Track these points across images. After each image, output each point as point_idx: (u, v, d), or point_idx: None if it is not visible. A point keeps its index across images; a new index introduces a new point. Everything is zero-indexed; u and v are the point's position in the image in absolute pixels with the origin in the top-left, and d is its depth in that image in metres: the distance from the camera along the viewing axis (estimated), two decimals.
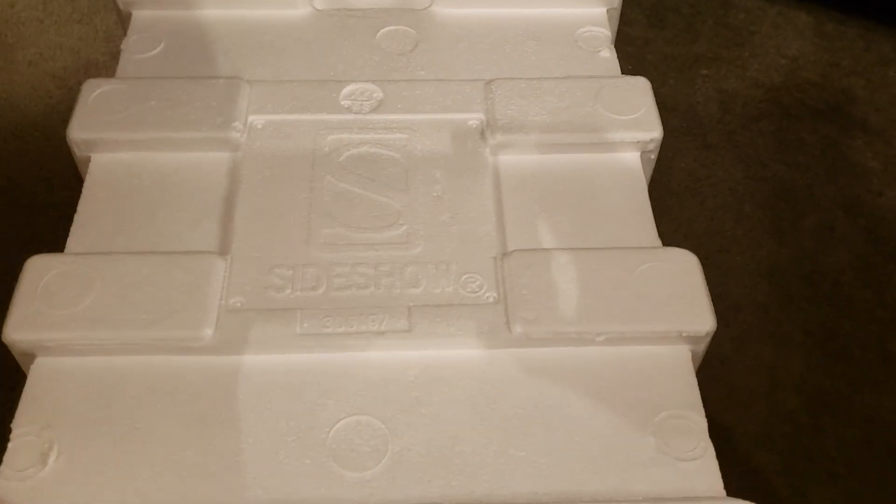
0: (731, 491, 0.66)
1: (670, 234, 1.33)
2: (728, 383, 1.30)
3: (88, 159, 0.90)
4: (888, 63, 1.60)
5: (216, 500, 0.67)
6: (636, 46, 1.68)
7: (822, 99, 1.56)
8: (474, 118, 0.92)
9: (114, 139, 0.89)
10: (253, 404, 0.73)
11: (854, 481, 1.20)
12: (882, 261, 1.39)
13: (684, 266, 0.78)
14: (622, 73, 0.99)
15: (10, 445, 0.69)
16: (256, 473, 0.68)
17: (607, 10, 1.04)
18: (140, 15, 1.04)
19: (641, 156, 0.91)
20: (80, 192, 0.88)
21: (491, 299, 0.78)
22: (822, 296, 1.37)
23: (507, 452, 0.69)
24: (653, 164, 0.92)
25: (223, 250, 0.83)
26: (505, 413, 0.71)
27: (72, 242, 0.83)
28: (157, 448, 0.70)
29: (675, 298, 0.75)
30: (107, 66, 1.60)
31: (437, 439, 0.70)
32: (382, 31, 1.02)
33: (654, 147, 0.90)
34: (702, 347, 0.75)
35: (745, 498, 0.64)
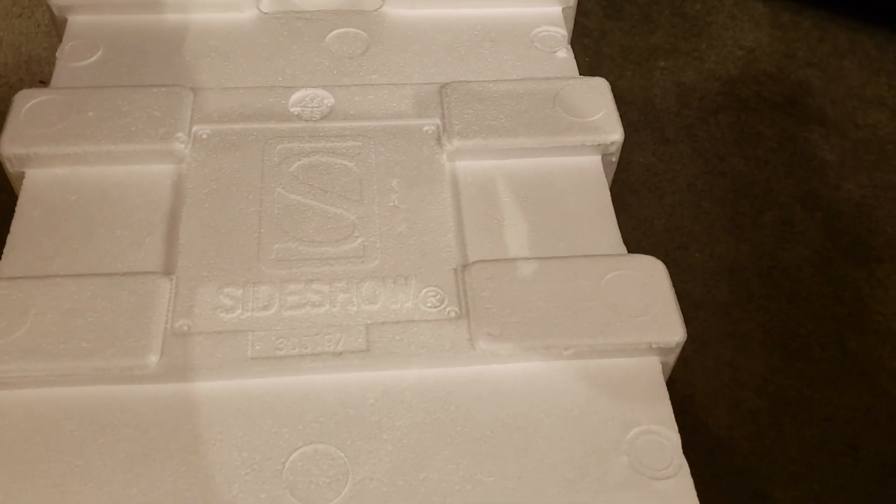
0: None
1: (630, 231, 1.31)
2: (690, 384, 1.29)
3: (22, 175, 0.85)
4: (843, 54, 1.60)
5: None
6: (593, 38, 1.66)
7: (779, 91, 1.55)
8: (430, 124, 0.88)
9: (49, 153, 0.84)
10: (203, 435, 0.68)
11: (815, 482, 1.19)
12: (840, 256, 1.39)
13: (651, 274, 0.75)
14: (580, 70, 0.96)
15: None
16: None
17: (563, 9, 1.01)
18: (76, 20, 0.98)
19: (603, 158, 0.88)
20: (13, 210, 0.83)
21: (453, 314, 0.74)
22: (781, 293, 1.36)
23: (475, 478, 0.66)
24: (614, 167, 0.90)
25: (168, 270, 0.78)
26: (472, 435, 0.68)
27: (4, 266, 0.78)
28: (100, 488, 0.65)
29: (644, 309, 0.73)
30: (49, 61, 1.53)
31: (401, 466, 0.66)
32: (332, 33, 0.98)
33: (615, 150, 0.88)
34: (672, 358, 0.73)
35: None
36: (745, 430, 1.24)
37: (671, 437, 0.67)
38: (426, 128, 0.88)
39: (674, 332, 0.72)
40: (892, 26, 1.65)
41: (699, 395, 1.28)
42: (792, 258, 1.38)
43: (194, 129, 0.87)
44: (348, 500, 0.64)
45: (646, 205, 1.45)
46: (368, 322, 0.74)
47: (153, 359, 0.71)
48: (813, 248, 1.39)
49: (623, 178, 1.44)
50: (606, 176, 0.88)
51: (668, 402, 0.70)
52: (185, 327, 0.74)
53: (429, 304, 0.75)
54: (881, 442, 1.22)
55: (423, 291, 0.76)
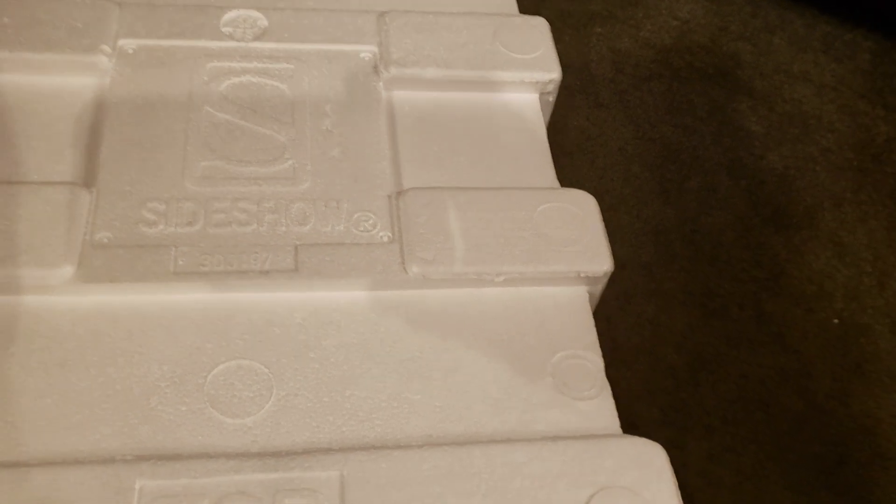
0: None
1: None
2: (612, 339, 1.31)
3: None
4: (773, 30, 1.64)
5: (80, 452, 0.60)
6: (533, 1, 1.65)
7: (711, 62, 1.57)
8: (367, 51, 0.87)
9: None
10: (122, 348, 0.66)
11: (728, 434, 1.22)
12: (760, 223, 1.42)
13: (583, 207, 0.75)
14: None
15: None
16: (125, 422, 0.62)
17: None
18: None
19: (540, 97, 0.88)
20: None
21: (385, 239, 0.73)
22: (703, 256, 1.39)
23: (401, 396, 0.65)
24: (551, 107, 0.89)
25: (88, 183, 0.75)
26: (400, 357, 0.67)
27: None
28: (12, 397, 0.62)
29: (574, 239, 0.73)
30: None
31: (327, 384, 0.65)
32: None
33: (552, 89, 0.88)
34: (599, 289, 0.73)
35: None
36: (664, 384, 1.26)
37: (595, 360, 0.68)
38: (363, 54, 0.86)
39: (602, 262, 0.72)
40: (820, 6, 1.69)
41: (621, 350, 1.30)
42: (715, 223, 1.41)
43: (120, 42, 0.84)
44: (271, 415, 0.63)
45: (578, 167, 1.46)
46: (297, 243, 0.72)
47: (69, 269, 0.68)
48: (735, 214, 1.42)
49: (558, 141, 1.45)
50: (543, 115, 0.87)
51: (594, 329, 0.70)
52: (105, 240, 0.71)
53: (361, 229, 0.74)
54: (791, 398, 1.26)
55: (356, 216, 0.75)
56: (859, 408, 1.24)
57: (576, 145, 1.47)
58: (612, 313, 1.32)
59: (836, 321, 1.32)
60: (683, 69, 1.57)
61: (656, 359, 1.30)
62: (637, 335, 1.32)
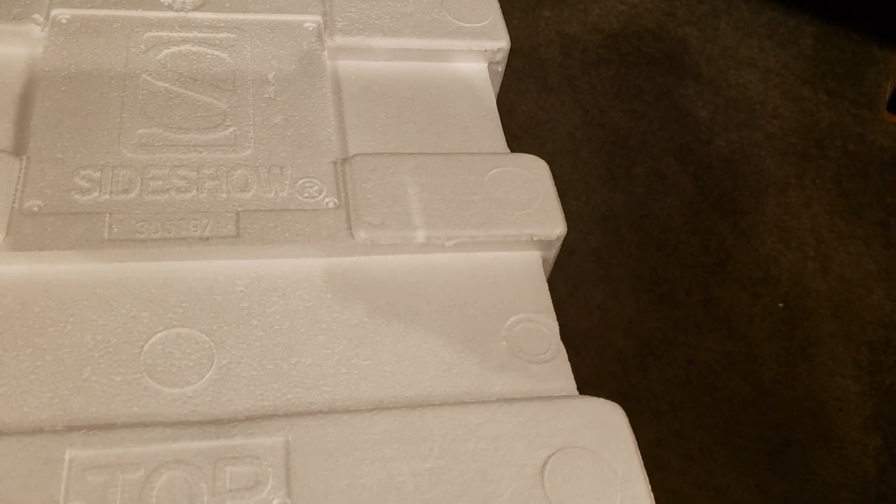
0: None
1: None
2: (562, 325, 1.30)
3: None
4: (719, 15, 1.66)
5: (4, 425, 0.56)
6: None
7: (658, 47, 1.58)
8: (311, 20, 0.84)
9: None
10: (52, 317, 0.62)
11: (676, 419, 1.22)
12: (708, 207, 1.43)
13: (534, 171, 0.74)
14: None
15: None
16: (55, 393, 0.58)
17: None
18: None
19: (489, 67, 0.86)
20: None
21: (331, 205, 0.70)
22: (651, 241, 1.39)
23: (350, 362, 0.62)
24: (500, 78, 0.88)
25: (18, 151, 0.71)
26: (348, 322, 0.65)
27: None
28: None
29: (526, 203, 0.71)
30: None
31: (271, 351, 0.62)
32: None
33: (501, 58, 0.86)
34: (552, 253, 0.72)
35: None
36: (612, 369, 1.25)
37: (549, 324, 0.66)
38: (307, 24, 0.84)
39: (555, 225, 0.71)
40: None
41: (570, 336, 1.28)
42: (663, 208, 1.42)
43: (53, 12, 0.80)
44: (213, 384, 0.60)
45: (527, 152, 1.45)
46: (239, 209, 0.69)
47: None
48: (683, 199, 1.43)
49: (506, 125, 1.44)
50: (493, 86, 0.86)
51: (548, 294, 0.69)
52: (35, 208, 0.67)
53: (306, 195, 0.71)
54: (738, 383, 1.26)
55: (300, 182, 0.72)
56: (804, 391, 1.25)
57: (524, 130, 1.47)
58: (561, 299, 1.31)
59: (781, 305, 1.33)
60: (631, 54, 1.57)
61: (605, 344, 1.29)
62: (586, 321, 1.32)
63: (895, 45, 1.60)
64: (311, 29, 0.84)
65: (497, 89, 0.87)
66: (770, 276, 1.34)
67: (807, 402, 1.23)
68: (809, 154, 1.48)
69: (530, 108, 1.48)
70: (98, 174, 0.70)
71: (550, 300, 0.68)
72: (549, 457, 0.56)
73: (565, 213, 1.54)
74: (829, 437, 1.19)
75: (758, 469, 1.15)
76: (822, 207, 1.42)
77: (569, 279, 1.34)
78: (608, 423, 0.58)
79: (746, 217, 1.41)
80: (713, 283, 1.35)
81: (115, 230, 0.66)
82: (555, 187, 0.73)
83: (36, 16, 0.79)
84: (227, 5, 0.84)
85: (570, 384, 0.62)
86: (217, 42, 0.81)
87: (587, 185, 1.44)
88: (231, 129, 0.75)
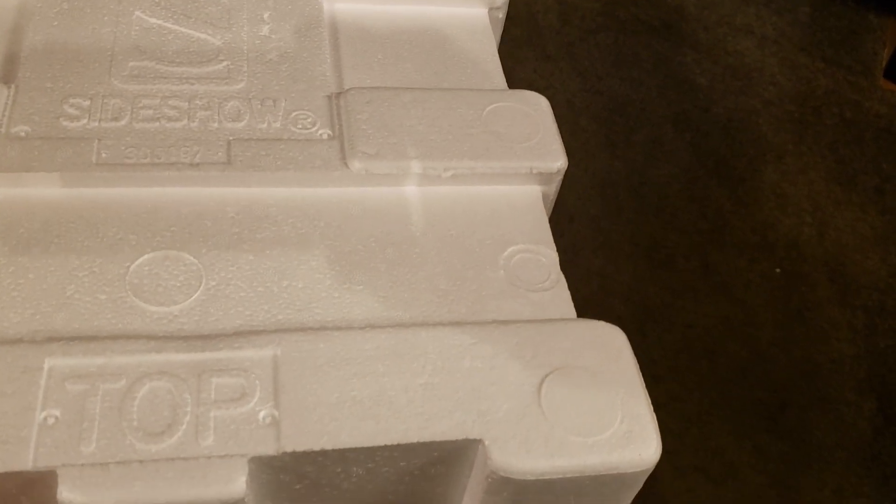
0: None
1: None
2: None
3: None
4: None
5: None
6: None
7: (656, 15, 1.57)
8: None
9: None
10: (36, 239, 0.61)
11: (674, 383, 1.21)
12: (705, 174, 1.42)
13: (535, 107, 0.73)
14: None
15: None
16: (37, 310, 0.57)
17: None
18: None
19: (490, 13, 0.85)
20: None
21: (325, 136, 0.69)
22: (649, 208, 1.38)
23: (343, 286, 0.61)
24: (501, 26, 0.86)
25: (7, 79, 0.70)
26: (341, 250, 0.63)
27: None
28: None
29: (527, 136, 0.70)
30: None
31: (262, 274, 0.61)
32: None
33: (501, 4, 0.85)
34: (553, 188, 0.70)
35: None
36: None
37: (549, 254, 0.65)
38: None
39: (555, 158, 0.69)
40: None
41: None
42: (661, 175, 1.40)
43: None
44: (200, 303, 0.58)
45: None
46: (230, 138, 0.68)
47: None
48: (681, 166, 1.41)
49: None
50: (494, 32, 0.85)
51: (548, 226, 0.68)
52: (22, 133, 0.65)
53: (299, 126, 0.70)
54: (735, 347, 1.25)
55: (294, 114, 0.71)
56: (800, 354, 1.24)
57: None
58: (560, 266, 1.31)
59: (778, 271, 1.32)
60: (629, 21, 1.56)
61: (604, 310, 1.27)
62: (585, 287, 1.30)
63: (892, 12, 1.59)
64: None
65: (498, 38, 0.86)
66: (767, 242, 1.33)
67: (803, 365, 1.21)
68: (806, 121, 1.47)
69: (529, 75, 1.46)
70: (87, 102, 0.69)
71: (550, 233, 0.67)
72: (545, 376, 0.55)
73: (564, 179, 1.52)
74: (824, 399, 1.18)
75: (755, 431, 1.14)
76: (819, 174, 1.41)
77: (568, 246, 1.32)
78: (609, 344, 0.57)
79: (744, 183, 1.39)
80: (711, 249, 1.34)
81: (104, 155, 0.65)
82: (555, 122, 0.72)
83: None
84: None
85: (569, 312, 0.61)
86: None
87: (586, 153, 1.42)
88: (224, 63, 0.74)
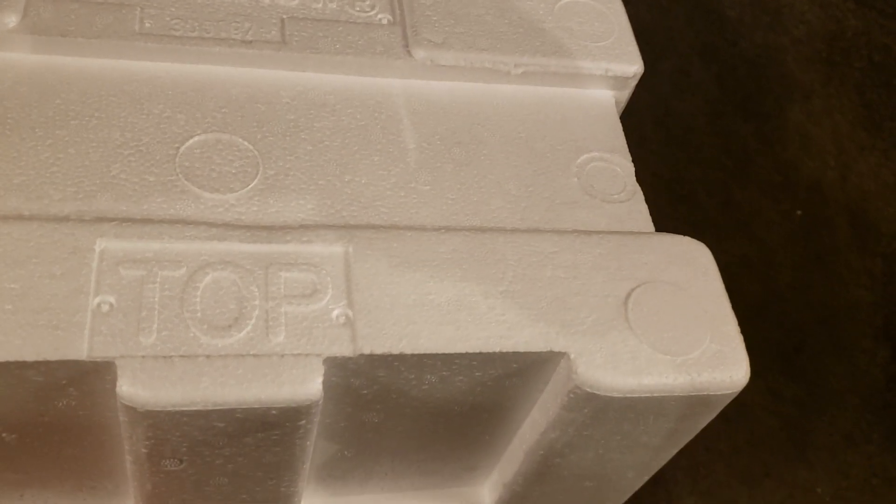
0: None
1: None
2: None
3: None
4: None
5: (23, 212, 0.49)
6: None
7: None
8: None
9: None
10: (75, 111, 0.55)
11: None
12: (731, 110, 1.38)
13: (609, 5, 0.68)
14: None
15: None
16: (79, 188, 0.51)
17: None
18: None
19: None
20: None
21: (385, 21, 0.64)
22: (673, 141, 1.34)
23: (409, 186, 0.56)
24: None
25: None
26: (405, 146, 0.59)
27: None
28: None
29: (601, 35, 0.65)
30: None
31: (322, 167, 0.56)
32: None
33: None
34: (626, 94, 0.66)
35: None
36: None
37: (624, 164, 0.61)
38: None
39: (632, 61, 0.65)
40: None
41: None
42: (686, 108, 1.36)
43: None
44: (259, 193, 0.54)
45: None
46: (284, 16, 0.62)
47: (12, 18, 0.56)
48: (706, 99, 1.37)
49: None
50: None
51: (622, 134, 0.64)
52: None
53: (357, 8, 0.64)
54: (753, 287, 1.23)
55: None
56: (817, 298, 1.23)
57: None
58: None
59: (799, 213, 1.29)
60: None
61: None
62: None
63: None
64: None
65: None
66: (790, 182, 1.30)
67: (819, 309, 1.20)
68: (834, 62, 1.43)
69: None
70: None
71: (625, 141, 0.63)
72: (632, 289, 0.51)
73: None
74: (839, 345, 1.17)
75: (769, 372, 1.13)
76: (845, 117, 1.38)
77: None
78: (695, 260, 0.54)
79: (769, 121, 1.36)
80: (733, 186, 1.31)
81: (147, 25, 0.59)
82: (630, 24, 0.67)
83: None
84: None
85: (648, 225, 0.57)
86: None
87: None
88: None
